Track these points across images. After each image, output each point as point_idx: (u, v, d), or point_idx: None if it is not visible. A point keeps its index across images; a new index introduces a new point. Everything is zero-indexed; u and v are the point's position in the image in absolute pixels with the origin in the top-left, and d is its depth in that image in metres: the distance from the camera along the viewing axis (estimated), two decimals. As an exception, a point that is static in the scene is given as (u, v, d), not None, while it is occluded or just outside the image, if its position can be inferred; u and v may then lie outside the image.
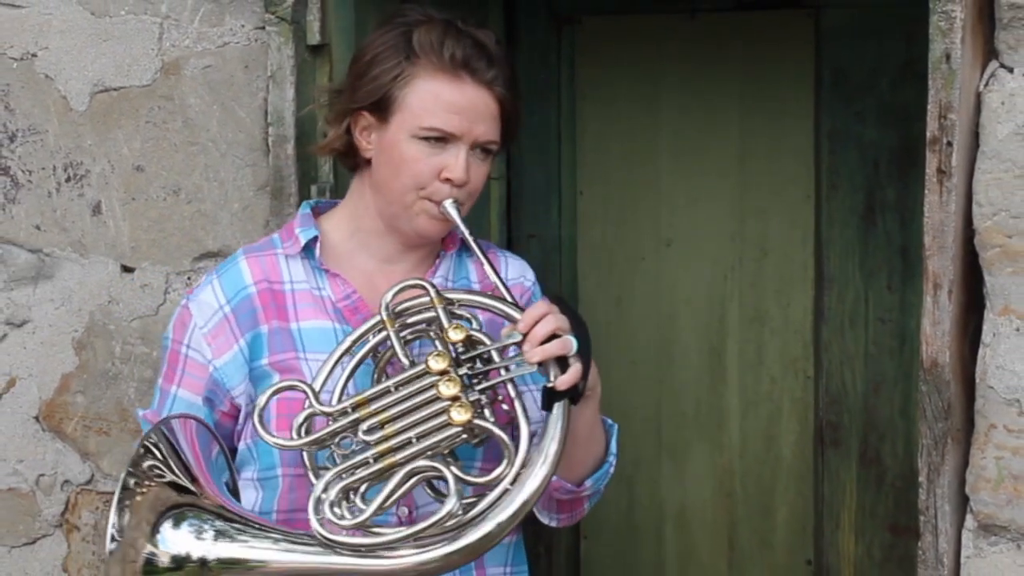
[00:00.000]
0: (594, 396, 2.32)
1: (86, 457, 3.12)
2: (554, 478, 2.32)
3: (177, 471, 2.18)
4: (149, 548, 2.12)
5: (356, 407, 2.22)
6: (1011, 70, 2.34)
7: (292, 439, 2.23)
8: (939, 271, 2.34)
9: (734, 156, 3.51)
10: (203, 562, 2.15)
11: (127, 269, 3.05)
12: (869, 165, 3.39)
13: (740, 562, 3.61)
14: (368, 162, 2.38)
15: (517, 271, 2.50)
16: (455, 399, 2.20)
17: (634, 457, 3.64)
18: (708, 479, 3.61)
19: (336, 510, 2.17)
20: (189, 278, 2.98)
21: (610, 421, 2.45)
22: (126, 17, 2.97)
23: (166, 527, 2.14)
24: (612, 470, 2.45)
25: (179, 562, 2.14)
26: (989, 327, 2.37)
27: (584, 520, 3.68)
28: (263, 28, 2.86)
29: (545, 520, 2.49)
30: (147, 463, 2.16)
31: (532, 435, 2.21)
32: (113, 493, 3.08)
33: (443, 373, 2.21)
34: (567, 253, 3.63)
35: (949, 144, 2.31)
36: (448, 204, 2.32)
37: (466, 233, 2.32)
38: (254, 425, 2.24)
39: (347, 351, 2.27)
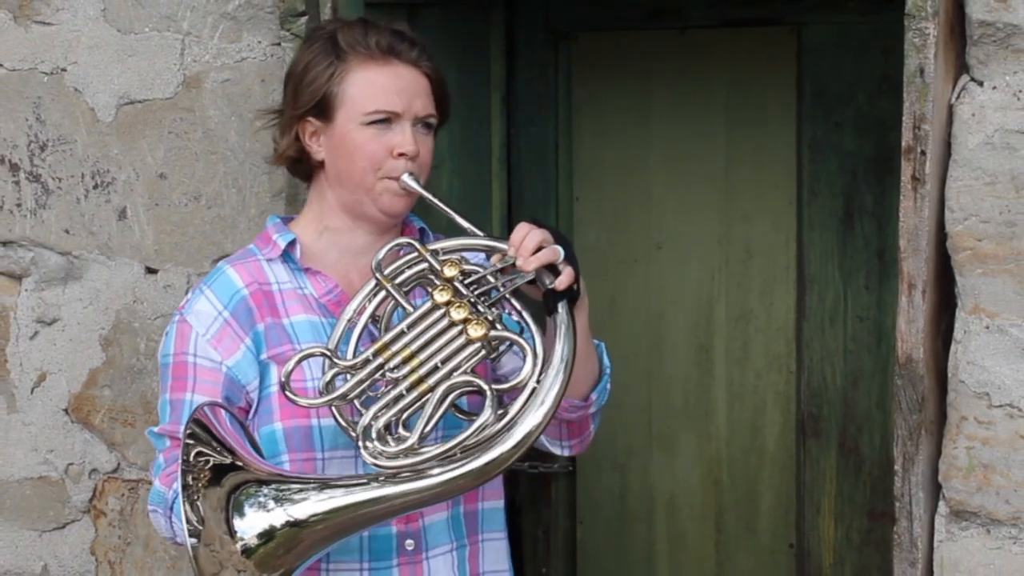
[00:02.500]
0: (584, 306, 2.34)
1: (112, 447, 3.12)
2: None
3: (222, 454, 2.18)
4: (238, 546, 2.13)
5: (376, 354, 2.24)
6: (981, 83, 2.35)
7: (319, 397, 2.24)
8: (913, 272, 2.35)
9: (721, 164, 3.51)
10: (291, 523, 2.15)
11: (151, 270, 3.05)
12: (848, 173, 3.39)
13: (726, 546, 3.61)
14: (321, 164, 2.41)
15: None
16: (467, 320, 2.23)
17: (626, 447, 3.64)
18: (696, 468, 3.61)
19: (382, 443, 2.19)
20: (209, 279, 2.99)
21: (597, 341, 2.47)
22: (150, 34, 2.97)
23: (236, 521, 2.15)
24: (610, 385, 2.47)
25: (268, 535, 2.15)
26: (960, 325, 2.37)
27: (579, 506, 3.69)
28: (279, 44, 2.86)
29: (557, 450, 2.50)
30: (194, 452, 2.17)
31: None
32: (138, 481, 3.10)
33: (449, 303, 2.24)
34: (564, 255, 3.63)
35: (923, 153, 2.31)
36: (407, 177, 2.36)
37: (430, 196, 2.37)
38: (283, 390, 2.25)
39: (350, 320, 2.29)
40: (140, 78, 3.00)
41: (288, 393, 2.24)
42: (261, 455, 2.31)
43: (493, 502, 2.46)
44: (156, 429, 2.36)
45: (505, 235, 3.51)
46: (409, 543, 2.37)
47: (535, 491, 3.62)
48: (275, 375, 2.32)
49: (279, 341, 2.36)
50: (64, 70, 3.04)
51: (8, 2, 3.05)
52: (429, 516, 2.37)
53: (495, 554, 2.48)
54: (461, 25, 3.33)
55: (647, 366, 3.62)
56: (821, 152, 3.41)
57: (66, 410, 3.14)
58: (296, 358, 2.25)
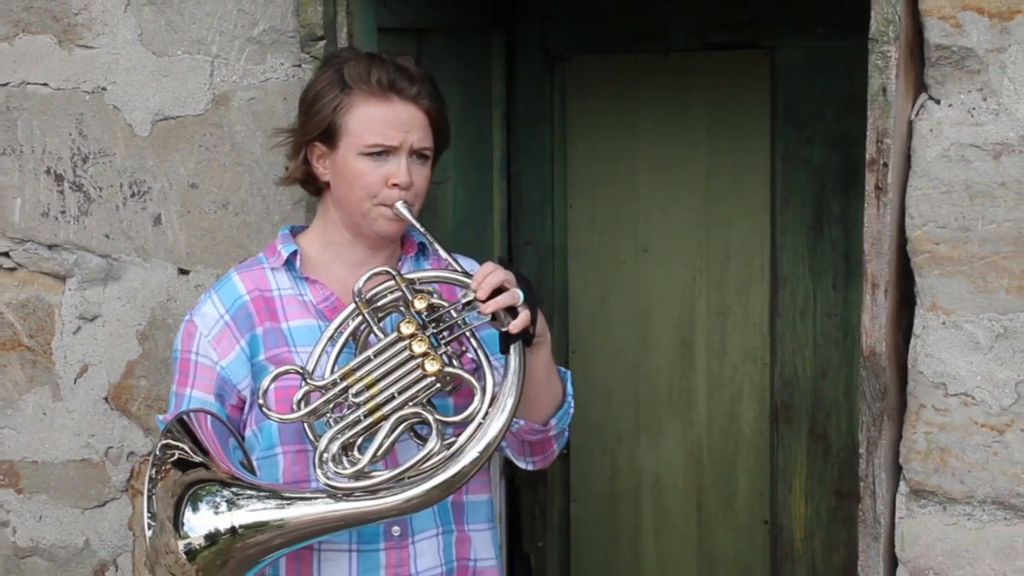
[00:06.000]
0: (545, 342, 2.32)
1: (148, 432, 3.12)
2: (522, 421, 2.34)
3: (191, 451, 2.17)
4: (182, 544, 2.12)
5: (344, 377, 2.23)
6: (938, 101, 2.35)
7: (292, 412, 2.24)
8: (877, 273, 2.35)
9: (702, 175, 3.51)
10: (233, 531, 2.15)
11: (183, 272, 3.05)
12: (817, 183, 3.39)
13: (707, 522, 3.61)
14: (327, 185, 2.40)
15: (468, 266, 2.50)
16: (426, 354, 2.21)
17: (616, 432, 3.64)
18: (679, 451, 3.61)
19: (337, 464, 2.19)
20: (236, 279, 2.98)
21: (563, 369, 2.45)
22: (182, 56, 2.97)
23: (187, 515, 2.13)
24: (572, 411, 2.44)
25: (212, 538, 2.14)
26: (919, 321, 2.37)
27: (573, 486, 3.69)
28: (299, 66, 2.86)
29: (522, 464, 2.48)
30: (168, 452, 2.17)
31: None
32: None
33: (412, 336, 2.23)
34: (559, 258, 3.64)
35: (885, 165, 2.31)
36: (400, 205, 2.34)
37: (417, 225, 2.34)
38: (258, 406, 2.25)
39: (331, 338, 2.28)
40: (173, 96, 3.00)
41: (264, 408, 2.24)
42: (248, 457, 2.31)
43: (477, 495, 2.44)
44: (162, 417, 2.37)
45: (506, 244, 3.55)
46: (395, 529, 2.35)
47: (532, 472, 3.61)
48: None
49: (277, 344, 2.36)
50: (104, 89, 3.04)
51: (53, 28, 3.05)
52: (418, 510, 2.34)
53: (482, 544, 2.45)
54: (465, 48, 3.34)
55: (634, 359, 3.62)
56: (793, 164, 3.41)
57: (106, 398, 3.14)
58: (271, 376, 2.25)
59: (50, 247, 3.14)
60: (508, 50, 3.54)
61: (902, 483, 2.41)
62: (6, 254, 3.16)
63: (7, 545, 3.23)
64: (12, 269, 3.16)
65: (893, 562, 2.42)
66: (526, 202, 3.61)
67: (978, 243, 2.32)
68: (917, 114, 2.36)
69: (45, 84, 3.08)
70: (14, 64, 3.08)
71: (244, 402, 2.36)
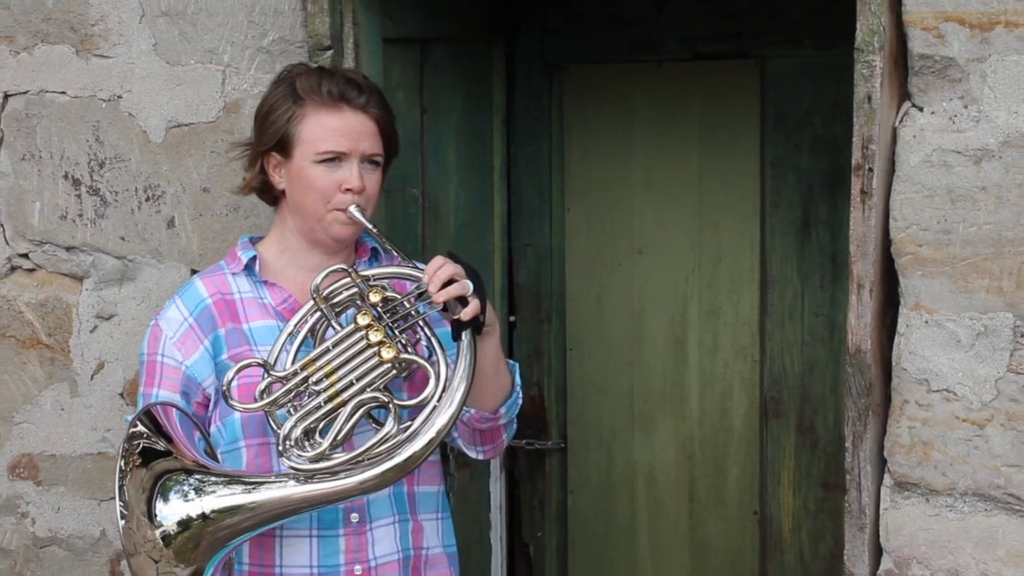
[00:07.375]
0: (494, 332, 2.34)
1: (162, 427, 3.12)
2: (472, 410, 2.36)
3: (157, 441, 2.19)
4: (157, 533, 2.14)
5: (304, 367, 2.26)
6: (921, 109, 2.35)
7: (255, 403, 2.25)
8: (862, 274, 2.35)
9: (694, 179, 3.52)
10: (204, 516, 2.17)
11: (196, 272, 3.05)
12: (805, 187, 3.39)
13: (699, 513, 3.61)
14: (283, 193, 2.43)
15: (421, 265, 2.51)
16: (382, 343, 2.23)
17: (612, 426, 3.65)
18: (672, 444, 3.61)
19: (299, 448, 2.20)
20: (247, 280, 2.98)
21: (512, 361, 2.48)
22: (195, 66, 2.98)
23: (159, 506, 2.15)
24: (520, 400, 2.47)
25: (185, 524, 2.16)
26: (903, 320, 2.38)
27: (571, 478, 3.70)
28: (308, 75, 2.86)
29: (472, 454, 2.50)
30: (135, 443, 2.18)
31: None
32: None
33: (369, 326, 2.25)
34: (557, 259, 3.64)
35: (870, 170, 2.32)
36: (353, 209, 2.36)
37: (370, 227, 2.36)
38: (223, 395, 2.27)
39: (291, 333, 2.31)
40: (186, 104, 3.00)
41: (227, 398, 2.26)
42: (211, 447, 2.32)
43: (427, 487, 2.46)
44: (130, 418, 2.38)
45: (506, 246, 3.55)
46: (354, 516, 2.37)
47: (532, 465, 3.63)
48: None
49: (238, 343, 2.38)
50: (120, 97, 3.05)
51: (71, 38, 3.05)
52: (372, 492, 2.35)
53: (433, 532, 2.48)
54: (467, 58, 3.34)
55: (629, 356, 3.62)
56: (781, 169, 3.41)
57: (121, 394, 3.15)
58: (235, 368, 2.28)
59: (68, 249, 3.14)
60: (508, 60, 3.54)
61: (886, 476, 2.42)
62: (26, 255, 3.17)
63: (27, 535, 3.23)
64: (31, 270, 3.17)
65: (878, 551, 2.43)
66: (525, 205, 3.61)
67: (959, 245, 2.33)
68: (901, 121, 2.36)
69: (63, 92, 3.09)
70: (33, 73, 3.09)
71: (209, 400, 2.39)
